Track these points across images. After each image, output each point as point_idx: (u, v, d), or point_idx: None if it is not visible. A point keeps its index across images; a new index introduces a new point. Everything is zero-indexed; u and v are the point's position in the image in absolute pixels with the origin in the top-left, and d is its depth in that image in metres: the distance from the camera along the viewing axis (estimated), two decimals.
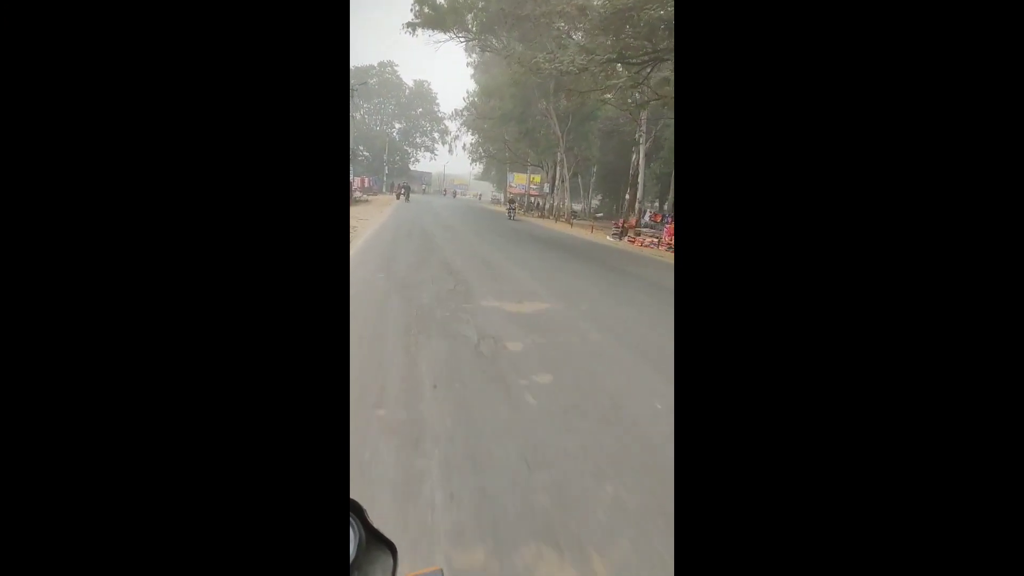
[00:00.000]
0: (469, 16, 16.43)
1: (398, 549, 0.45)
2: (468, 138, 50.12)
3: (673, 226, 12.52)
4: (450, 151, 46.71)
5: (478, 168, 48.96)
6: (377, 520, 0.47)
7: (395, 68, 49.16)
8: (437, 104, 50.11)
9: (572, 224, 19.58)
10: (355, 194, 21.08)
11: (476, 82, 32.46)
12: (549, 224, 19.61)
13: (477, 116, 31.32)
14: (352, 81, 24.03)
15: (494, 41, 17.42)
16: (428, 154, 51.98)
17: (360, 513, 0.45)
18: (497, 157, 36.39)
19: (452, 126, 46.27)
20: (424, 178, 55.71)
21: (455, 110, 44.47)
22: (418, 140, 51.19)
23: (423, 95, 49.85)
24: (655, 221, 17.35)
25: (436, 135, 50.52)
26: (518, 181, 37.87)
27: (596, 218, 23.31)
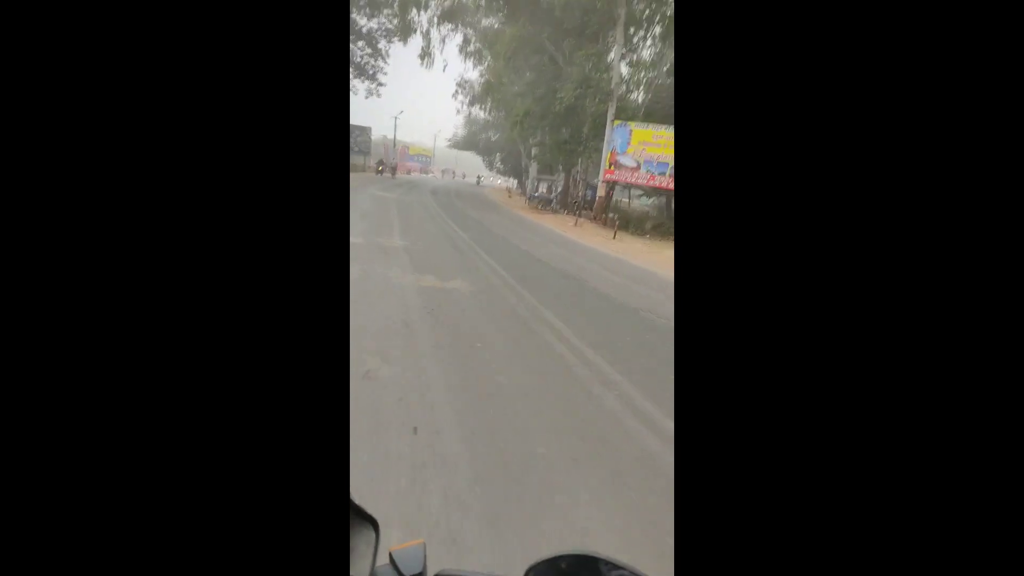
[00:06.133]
0: None
1: (380, 524, 0.47)
2: (459, 37, 23.77)
3: None
4: (423, 59, 19.94)
5: (459, 131, 23.33)
6: (360, 498, 0.47)
7: None
8: None
9: None
10: None
11: None
12: None
13: None
14: None
15: None
16: (366, 84, 25.03)
17: None
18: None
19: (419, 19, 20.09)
20: (359, 140, 28.97)
21: None
22: None
23: None
24: None
25: (382, 38, 23.61)
26: (643, 146, 12.28)
27: None
